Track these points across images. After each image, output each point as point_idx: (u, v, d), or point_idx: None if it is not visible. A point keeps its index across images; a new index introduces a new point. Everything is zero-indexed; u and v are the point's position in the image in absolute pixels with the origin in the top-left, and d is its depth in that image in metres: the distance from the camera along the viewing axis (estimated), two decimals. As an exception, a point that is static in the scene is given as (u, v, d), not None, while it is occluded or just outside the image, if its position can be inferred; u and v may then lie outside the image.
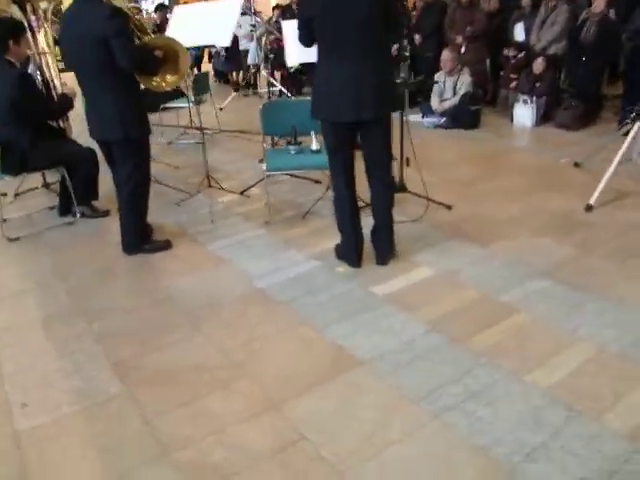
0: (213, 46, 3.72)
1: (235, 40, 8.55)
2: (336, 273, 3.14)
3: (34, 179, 4.66)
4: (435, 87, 6.22)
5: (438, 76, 6.28)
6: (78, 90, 3.48)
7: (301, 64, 4.83)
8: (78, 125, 4.37)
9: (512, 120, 6.21)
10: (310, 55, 3.20)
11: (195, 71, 11.06)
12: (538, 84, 6.05)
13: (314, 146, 3.70)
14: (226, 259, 3.40)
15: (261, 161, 3.79)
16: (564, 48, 6.06)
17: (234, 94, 8.06)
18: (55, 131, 4.15)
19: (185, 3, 8.40)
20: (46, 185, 4.80)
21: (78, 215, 4.15)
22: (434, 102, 6.26)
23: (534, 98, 5.97)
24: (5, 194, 4.47)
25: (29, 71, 4.10)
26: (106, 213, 4.21)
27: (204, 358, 2.50)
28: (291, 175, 4.54)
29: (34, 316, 2.91)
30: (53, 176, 4.45)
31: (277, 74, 8.47)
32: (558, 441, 1.93)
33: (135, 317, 2.85)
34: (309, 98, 3.01)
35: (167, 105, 6.15)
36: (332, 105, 2.89)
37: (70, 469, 1.96)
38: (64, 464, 1.97)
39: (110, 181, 3.66)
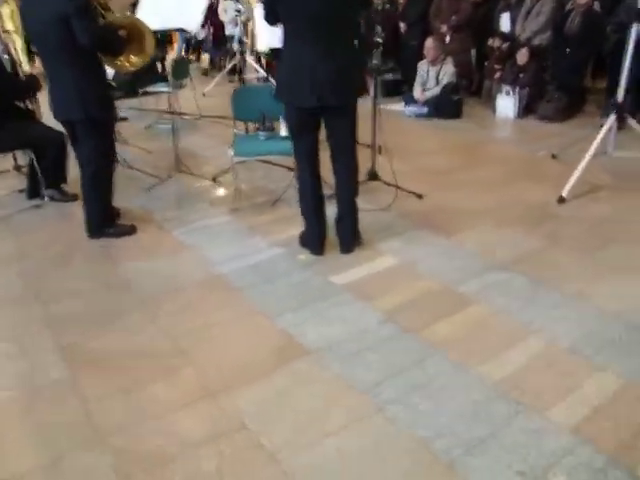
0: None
1: (222, 25, 8.45)
2: (298, 261, 3.10)
3: (5, 161, 4.59)
4: (418, 76, 6.16)
5: (421, 65, 6.21)
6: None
7: (271, 49, 4.74)
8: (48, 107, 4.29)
9: (495, 111, 6.15)
10: (280, 40, 3.12)
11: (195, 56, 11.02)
12: (522, 75, 5.99)
13: (283, 132, 3.64)
14: (189, 245, 3.35)
15: (231, 147, 3.73)
16: (549, 39, 5.99)
17: (217, 79, 7.97)
18: (23, 113, 4.07)
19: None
20: (17, 167, 4.72)
21: (46, 198, 4.09)
22: (416, 91, 6.20)
23: (517, 89, 5.91)
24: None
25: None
26: (75, 197, 4.13)
27: (152, 344, 2.46)
28: (265, 161, 4.48)
29: (-16, 299, 2.86)
30: (25, 158, 4.38)
31: (263, 60, 8.36)
32: (500, 435, 1.90)
33: (88, 301, 2.80)
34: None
35: (147, 90, 6.06)
36: (294, 89, 2.84)
37: (0, 453, 1.92)
38: (-5, 449, 1.94)
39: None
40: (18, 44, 3.98)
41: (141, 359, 2.36)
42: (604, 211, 3.63)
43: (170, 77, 5.37)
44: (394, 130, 5.81)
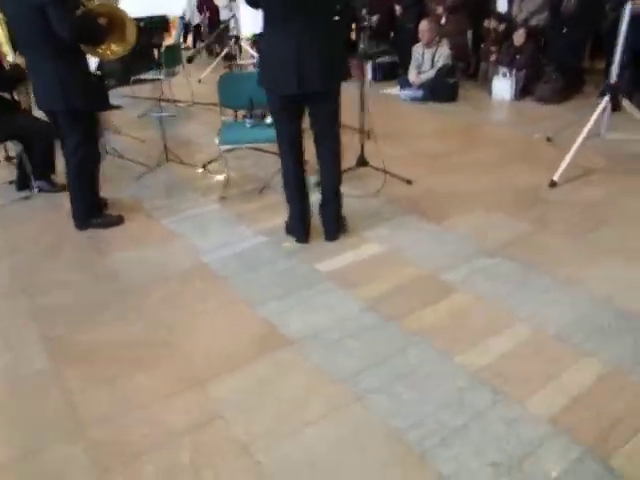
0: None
1: (217, 10, 8.36)
2: (282, 248, 3.07)
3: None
4: (413, 59, 6.07)
5: (416, 48, 6.12)
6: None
7: (256, 34, 4.68)
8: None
9: (491, 93, 6.07)
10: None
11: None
12: (518, 56, 5.90)
13: (269, 119, 3.59)
14: (177, 234, 3.33)
15: (218, 135, 3.69)
16: (546, 19, 5.89)
17: (213, 65, 7.90)
18: (8, 104, 4.04)
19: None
20: (8, 158, 4.71)
21: (36, 190, 4.07)
22: (412, 75, 6.12)
23: (514, 71, 5.82)
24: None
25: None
26: (64, 187, 4.07)
27: (136, 334, 2.45)
28: (256, 149, 4.44)
29: (-29, 291, 2.86)
30: (16, 150, 4.36)
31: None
32: (478, 424, 1.88)
33: (75, 293, 2.79)
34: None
35: (139, 77, 6.01)
36: (275, 76, 2.80)
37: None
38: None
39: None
40: (1, 35, 3.92)
41: (125, 349, 2.35)
42: (596, 194, 3.57)
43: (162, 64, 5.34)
44: (388, 114, 5.79)
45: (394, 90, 6.33)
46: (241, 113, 4.38)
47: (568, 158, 3.78)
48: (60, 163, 4.06)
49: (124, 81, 6.45)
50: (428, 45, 6.01)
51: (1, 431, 1.97)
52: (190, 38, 11.11)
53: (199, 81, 7.35)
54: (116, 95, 6.69)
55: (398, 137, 4.92)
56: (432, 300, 2.56)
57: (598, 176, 3.87)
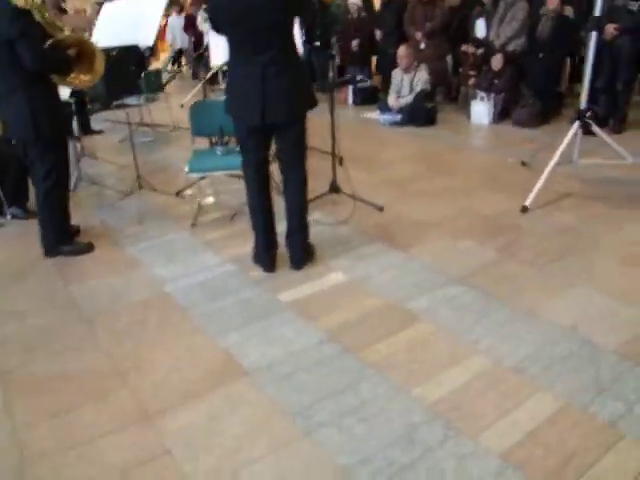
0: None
1: (201, 34, 8.42)
2: (249, 277, 3.05)
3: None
4: (392, 84, 6.12)
5: (395, 73, 6.17)
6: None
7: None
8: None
9: (469, 117, 6.11)
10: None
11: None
12: (496, 81, 5.95)
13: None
14: (141, 262, 3.30)
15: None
16: (523, 45, 5.95)
17: (195, 90, 7.94)
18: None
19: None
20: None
21: (9, 217, 4.05)
22: (391, 99, 6.17)
23: (492, 95, 5.87)
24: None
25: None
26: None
27: (90, 365, 2.41)
28: (232, 175, 4.43)
29: None
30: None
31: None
32: (428, 460, 1.85)
33: (31, 323, 2.75)
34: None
35: (120, 102, 6.02)
36: (240, 106, 2.81)
37: None
38: None
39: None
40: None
41: (75, 382, 2.31)
42: (567, 220, 3.57)
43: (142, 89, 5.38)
44: (367, 138, 5.83)
45: (374, 114, 6.37)
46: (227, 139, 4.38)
47: (540, 183, 3.78)
48: (32, 190, 4.06)
49: (107, 106, 6.50)
50: (407, 70, 6.07)
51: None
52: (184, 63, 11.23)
53: (181, 106, 7.38)
54: (99, 119, 6.74)
55: (372, 162, 4.94)
56: (393, 331, 2.53)
57: (570, 201, 3.87)
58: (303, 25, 6.31)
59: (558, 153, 3.84)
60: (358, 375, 2.25)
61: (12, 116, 3.19)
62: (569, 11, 5.90)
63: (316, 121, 4.56)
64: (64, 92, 4.07)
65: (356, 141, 5.67)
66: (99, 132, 6.43)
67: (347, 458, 1.86)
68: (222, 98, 2.97)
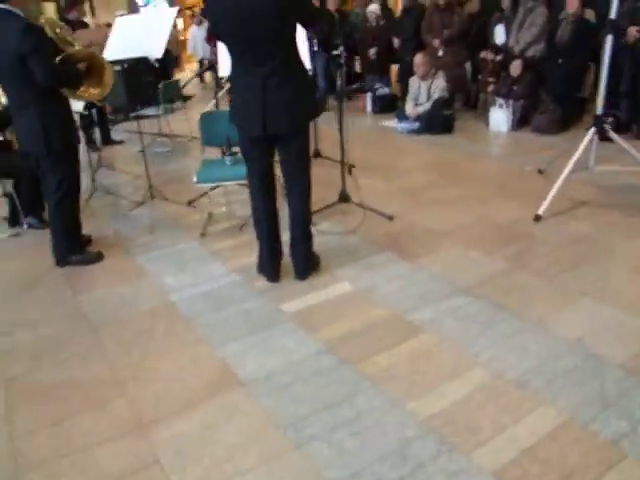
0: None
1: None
2: (254, 288, 3.05)
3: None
4: (410, 92, 6.08)
5: (412, 81, 6.13)
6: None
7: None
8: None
9: (488, 125, 6.03)
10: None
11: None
12: (515, 87, 5.86)
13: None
14: (150, 272, 3.33)
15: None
16: (542, 50, 5.85)
17: (214, 100, 8.00)
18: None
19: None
20: (6, 195, 4.81)
21: (25, 226, 4.14)
22: (408, 107, 6.12)
23: (510, 102, 5.78)
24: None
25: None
26: (53, 224, 4.18)
27: (93, 374, 2.44)
28: (242, 184, 4.45)
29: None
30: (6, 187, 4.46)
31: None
32: (417, 477, 1.81)
33: (40, 332, 2.80)
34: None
35: (139, 113, 6.14)
36: (242, 117, 2.81)
37: None
38: None
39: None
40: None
41: (78, 390, 2.34)
42: (582, 229, 3.48)
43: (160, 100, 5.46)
44: (383, 147, 5.79)
45: (391, 123, 6.34)
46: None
47: (554, 191, 3.70)
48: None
49: (128, 116, 6.62)
50: (424, 78, 6.02)
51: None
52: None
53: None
54: (120, 130, 6.86)
55: (389, 170, 4.90)
56: (395, 342, 2.49)
57: (586, 210, 3.77)
58: (319, 34, 6.36)
59: (573, 160, 3.75)
60: (354, 388, 2.22)
61: (24, 131, 3.27)
62: (590, 14, 5.77)
63: (328, 130, 4.58)
64: (77, 105, 4.15)
65: (373, 150, 5.65)
66: (120, 142, 6.54)
67: (336, 472, 1.83)
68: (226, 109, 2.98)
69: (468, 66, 6.75)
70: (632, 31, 4.89)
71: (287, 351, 2.47)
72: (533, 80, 5.89)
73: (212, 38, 9.82)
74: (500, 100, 5.84)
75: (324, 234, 3.59)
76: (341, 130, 3.73)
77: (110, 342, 2.67)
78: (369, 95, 7.19)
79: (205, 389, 2.28)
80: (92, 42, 4.25)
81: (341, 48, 3.44)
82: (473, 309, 2.71)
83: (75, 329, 2.81)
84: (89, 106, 4.62)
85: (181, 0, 13.59)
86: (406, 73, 6.58)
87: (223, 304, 2.90)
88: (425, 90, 6.01)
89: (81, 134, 5.05)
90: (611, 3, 3.62)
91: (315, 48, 5.92)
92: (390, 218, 3.76)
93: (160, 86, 5.76)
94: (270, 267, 3.04)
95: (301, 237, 2.99)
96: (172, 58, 9.32)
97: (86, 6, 6.68)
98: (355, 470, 1.84)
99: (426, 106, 5.97)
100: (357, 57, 8.04)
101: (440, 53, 6.39)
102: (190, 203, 4.29)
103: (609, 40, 3.60)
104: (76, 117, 4.94)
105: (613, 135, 3.83)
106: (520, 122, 5.87)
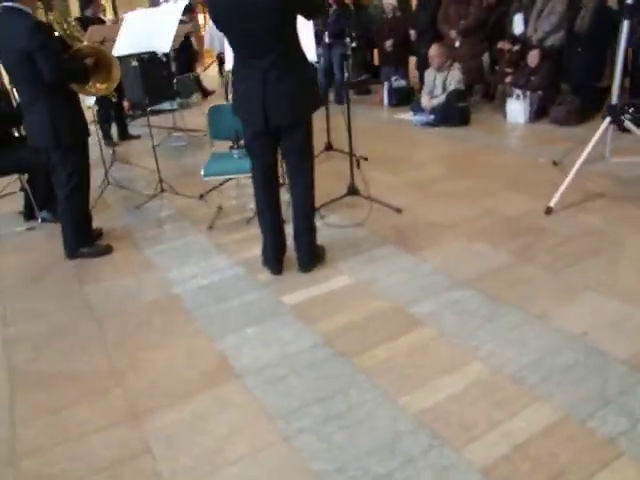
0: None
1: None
2: (257, 280, 3.05)
3: (14, 183, 4.76)
4: (425, 84, 6.01)
5: (428, 72, 6.05)
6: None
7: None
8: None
9: (505, 116, 5.91)
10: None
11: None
12: (533, 78, 5.73)
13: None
14: (156, 264, 3.36)
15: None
16: (562, 39, 5.71)
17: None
18: (12, 138, 4.22)
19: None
20: (22, 190, 4.91)
21: (40, 220, 4.22)
22: (424, 99, 6.04)
23: (528, 93, 5.66)
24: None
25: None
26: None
27: (91, 366, 2.47)
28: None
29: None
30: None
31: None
32: (405, 472, 1.79)
33: (45, 322, 2.85)
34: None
35: (155, 108, 6.18)
36: (245, 109, 2.81)
37: None
38: None
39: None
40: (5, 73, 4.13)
41: (78, 380, 2.38)
42: (593, 222, 3.39)
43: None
44: (398, 140, 5.74)
45: (407, 115, 6.27)
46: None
47: (566, 183, 3.61)
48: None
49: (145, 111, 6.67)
50: (439, 69, 5.93)
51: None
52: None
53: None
54: (137, 125, 6.93)
55: (403, 163, 4.85)
56: (393, 335, 2.47)
57: (599, 202, 3.67)
58: (334, 26, 6.31)
59: (586, 151, 3.64)
60: (349, 381, 2.21)
61: (34, 125, 3.33)
62: (612, 1, 5.60)
63: (339, 122, 4.55)
64: (89, 100, 4.21)
65: (388, 142, 5.60)
66: (137, 137, 6.60)
67: (322, 465, 1.83)
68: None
69: (486, 57, 6.63)
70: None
71: (284, 343, 2.47)
72: (551, 70, 5.75)
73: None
74: (517, 91, 5.72)
75: (331, 227, 3.57)
76: (349, 123, 3.70)
77: (111, 333, 2.70)
78: (386, 87, 7.12)
79: (200, 380, 2.29)
80: (106, 38, 4.28)
81: (347, 39, 3.40)
82: (474, 302, 2.67)
83: (79, 320, 2.85)
84: (103, 102, 4.66)
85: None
86: (422, 66, 6.49)
87: (225, 296, 2.91)
88: (440, 82, 5.92)
89: (98, 129, 5.15)
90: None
91: (327, 40, 5.90)
92: (398, 211, 3.72)
93: (174, 81, 5.79)
94: (273, 259, 3.04)
95: (304, 228, 2.98)
96: (194, 51, 9.35)
97: (105, 2, 6.73)
98: (342, 463, 1.83)
99: (441, 98, 5.88)
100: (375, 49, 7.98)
101: (457, 44, 6.29)
102: (202, 196, 4.32)
103: (626, 25, 3.48)
104: (92, 112, 5.04)
105: (629, 125, 3.72)
106: (538, 113, 5.74)
